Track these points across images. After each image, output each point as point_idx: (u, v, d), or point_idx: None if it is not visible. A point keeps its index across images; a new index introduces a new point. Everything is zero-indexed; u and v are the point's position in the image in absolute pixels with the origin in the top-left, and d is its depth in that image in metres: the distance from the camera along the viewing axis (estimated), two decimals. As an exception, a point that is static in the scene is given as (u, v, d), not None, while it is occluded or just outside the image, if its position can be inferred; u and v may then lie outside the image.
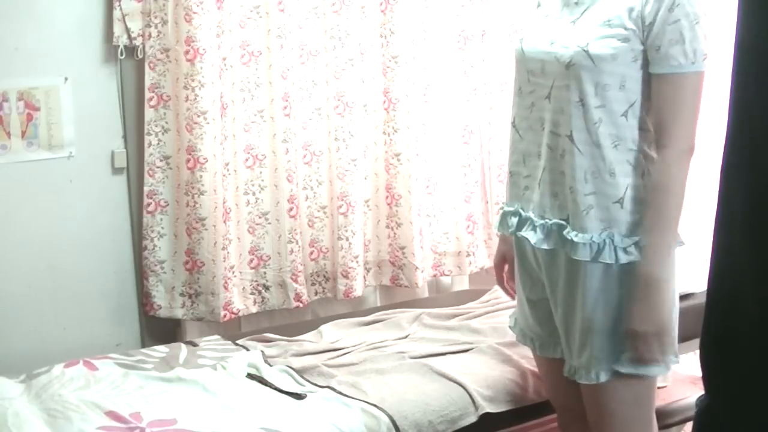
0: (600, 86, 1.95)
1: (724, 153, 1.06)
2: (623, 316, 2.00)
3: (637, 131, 1.99)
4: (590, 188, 1.99)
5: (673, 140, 1.94)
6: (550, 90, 2.03)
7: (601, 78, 1.95)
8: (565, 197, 2.02)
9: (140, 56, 2.97)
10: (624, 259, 1.98)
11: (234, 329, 3.19)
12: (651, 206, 1.97)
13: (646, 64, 1.96)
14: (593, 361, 2.04)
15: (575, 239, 1.99)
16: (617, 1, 1.96)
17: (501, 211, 2.23)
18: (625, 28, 1.94)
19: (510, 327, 2.38)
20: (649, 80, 1.97)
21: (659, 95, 1.96)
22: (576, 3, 2.04)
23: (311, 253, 3.30)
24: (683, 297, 2.83)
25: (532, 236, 2.07)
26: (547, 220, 2.06)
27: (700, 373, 1.17)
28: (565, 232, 2.02)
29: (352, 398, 2.42)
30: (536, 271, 2.17)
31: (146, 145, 3.00)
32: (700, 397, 1.12)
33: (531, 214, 2.09)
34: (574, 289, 2.04)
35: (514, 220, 2.15)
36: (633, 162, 1.99)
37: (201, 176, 2.98)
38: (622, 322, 2.01)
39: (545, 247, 2.05)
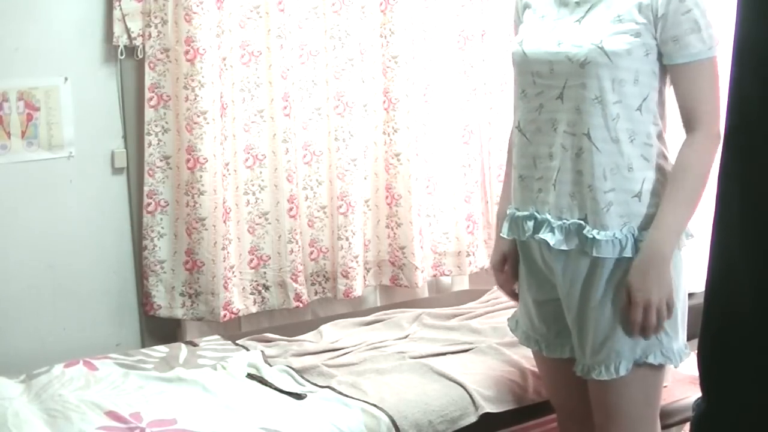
0: (617, 81, 1.96)
1: (722, 154, 1.06)
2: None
3: (651, 126, 2.01)
4: (610, 185, 1.99)
5: (703, 125, 1.97)
6: (562, 90, 2.02)
7: (618, 74, 1.96)
8: (583, 196, 2.02)
9: (140, 56, 2.97)
10: None
11: (234, 329, 3.19)
12: (672, 183, 1.99)
13: (656, 57, 1.97)
14: (612, 355, 2.04)
15: (597, 237, 2.00)
16: None
17: (509, 216, 2.20)
18: (636, 23, 1.95)
19: (511, 330, 2.38)
20: (659, 73, 1.99)
21: (681, 85, 1.99)
22: (577, 2, 2.04)
23: (311, 253, 3.30)
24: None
25: (550, 238, 2.06)
26: (565, 221, 2.05)
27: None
28: (585, 231, 2.01)
29: (352, 398, 2.42)
30: (544, 272, 2.16)
31: (146, 145, 3.00)
32: (697, 400, 1.11)
33: (548, 216, 2.08)
34: (593, 287, 2.04)
35: (531, 224, 2.13)
36: (647, 156, 2.01)
37: (201, 176, 2.98)
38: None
39: (564, 248, 2.04)
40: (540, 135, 2.09)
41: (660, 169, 2.03)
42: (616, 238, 2.00)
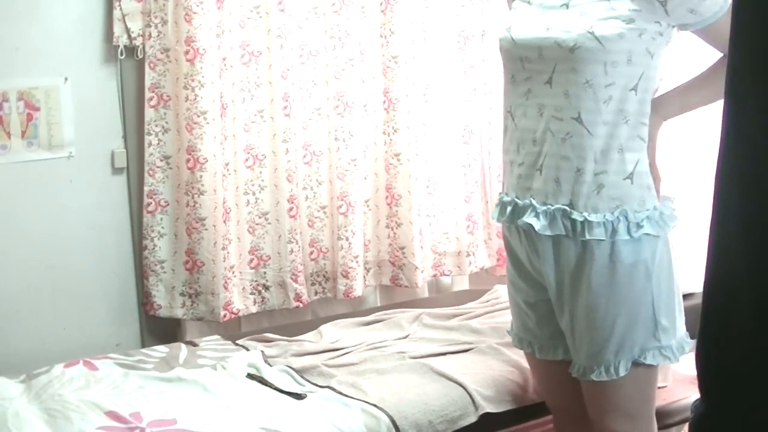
0: (609, 64, 1.94)
1: (719, 154, 1.06)
2: (637, 306, 2.01)
3: (648, 105, 1.99)
4: (601, 167, 1.97)
5: None
6: (551, 75, 1.99)
7: (609, 56, 1.93)
8: (570, 181, 1.99)
9: (140, 56, 2.98)
10: (637, 234, 1.98)
11: (234, 329, 3.19)
12: (708, 75, 2.02)
13: (651, 36, 1.94)
14: (611, 356, 2.03)
15: (589, 218, 1.97)
16: None
17: (499, 200, 2.19)
18: (629, 9, 1.92)
19: (507, 331, 2.38)
20: (654, 51, 1.96)
21: (714, 38, 1.97)
22: None
23: (311, 253, 3.30)
24: (684, 297, 2.84)
25: (535, 222, 2.03)
26: (549, 206, 2.02)
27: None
28: (574, 216, 1.99)
29: (352, 398, 2.42)
30: (532, 274, 2.15)
31: (146, 145, 3.00)
32: (695, 401, 1.11)
33: (531, 201, 2.05)
34: (584, 283, 2.02)
35: (509, 209, 2.11)
36: (644, 136, 1.99)
37: (201, 176, 2.98)
38: (637, 312, 2.01)
39: (548, 233, 2.02)
40: (525, 120, 2.06)
41: (650, 151, 2.02)
42: (608, 220, 1.97)
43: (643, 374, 2.07)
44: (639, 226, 1.98)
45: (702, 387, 1.10)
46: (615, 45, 1.92)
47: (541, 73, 2.02)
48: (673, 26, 1.97)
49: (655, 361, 2.04)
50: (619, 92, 1.95)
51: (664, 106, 2.05)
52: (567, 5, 2.00)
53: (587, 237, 1.98)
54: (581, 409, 2.18)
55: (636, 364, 2.04)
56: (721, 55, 2.02)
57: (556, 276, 2.07)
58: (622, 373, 2.04)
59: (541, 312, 2.18)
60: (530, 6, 2.08)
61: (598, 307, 2.02)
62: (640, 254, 2.00)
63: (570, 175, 1.99)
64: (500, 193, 2.21)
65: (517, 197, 2.10)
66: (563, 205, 2.00)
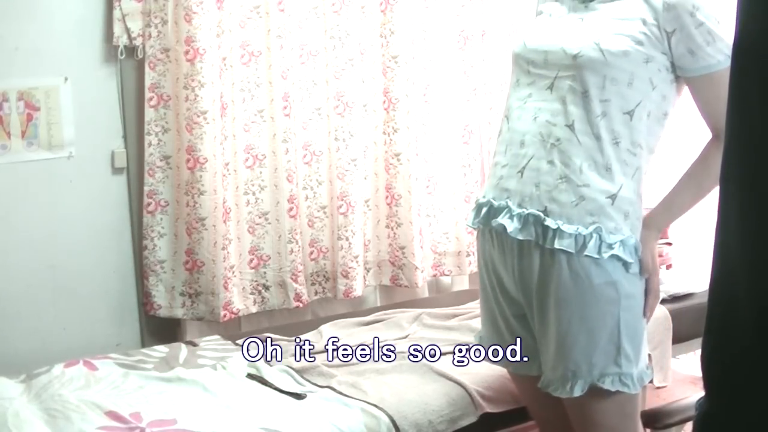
0: (609, 79, 1.93)
1: (723, 157, 1.07)
2: (600, 328, 1.99)
3: (640, 136, 1.97)
4: (585, 180, 1.95)
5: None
6: (553, 80, 2.00)
7: (610, 72, 1.93)
8: (550, 187, 1.97)
9: (140, 56, 2.98)
10: (606, 254, 1.95)
11: (234, 329, 3.19)
12: (690, 174, 2.03)
13: (658, 68, 1.95)
14: (569, 374, 2.01)
15: (562, 227, 1.95)
16: (630, 9, 1.95)
17: (475, 204, 2.16)
18: (640, 32, 1.93)
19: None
20: (659, 86, 1.96)
21: (703, 95, 1.97)
22: (585, 6, 2.03)
23: (311, 253, 3.30)
24: (684, 296, 2.84)
25: (509, 224, 2.00)
26: (524, 210, 2.00)
27: (700, 373, 1.17)
28: (546, 223, 1.96)
29: (352, 398, 2.42)
30: (506, 285, 2.11)
31: (146, 145, 3.00)
32: (699, 400, 1.11)
33: (509, 203, 2.03)
34: (553, 298, 2.00)
35: (485, 210, 2.09)
36: (630, 163, 1.97)
37: (201, 176, 2.98)
38: (599, 334, 1.98)
39: (520, 237, 1.99)
40: (519, 122, 2.05)
41: (638, 182, 2.00)
42: (580, 233, 1.94)
43: (609, 394, 2.03)
44: (610, 246, 1.96)
45: (707, 385, 1.10)
46: (618, 61, 1.93)
47: (544, 78, 2.03)
48: (674, 68, 1.96)
49: (613, 387, 2.00)
50: (614, 111, 1.95)
51: (653, 217, 2.05)
52: (582, 18, 2.01)
53: (556, 246, 1.95)
54: (565, 421, 2.16)
55: (593, 387, 2.01)
56: (701, 151, 2.02)
57: (522, 285, 2.05)
58: (576, 393, 2.00)
59: (518, 326, 2.14)
60: (550, 18, 2.10)
61: (561, 322, 2.00)
62: (610, 276, 1.97)
63: (551, 181, 1.97)
64: (477, 199, 2.18)
65: (493, 198, 2.07)
66: (538, 210, 1.98)
